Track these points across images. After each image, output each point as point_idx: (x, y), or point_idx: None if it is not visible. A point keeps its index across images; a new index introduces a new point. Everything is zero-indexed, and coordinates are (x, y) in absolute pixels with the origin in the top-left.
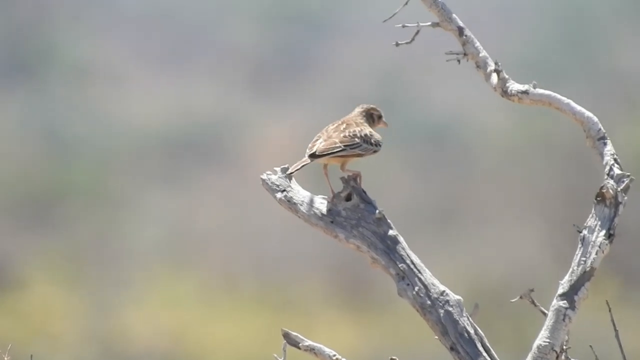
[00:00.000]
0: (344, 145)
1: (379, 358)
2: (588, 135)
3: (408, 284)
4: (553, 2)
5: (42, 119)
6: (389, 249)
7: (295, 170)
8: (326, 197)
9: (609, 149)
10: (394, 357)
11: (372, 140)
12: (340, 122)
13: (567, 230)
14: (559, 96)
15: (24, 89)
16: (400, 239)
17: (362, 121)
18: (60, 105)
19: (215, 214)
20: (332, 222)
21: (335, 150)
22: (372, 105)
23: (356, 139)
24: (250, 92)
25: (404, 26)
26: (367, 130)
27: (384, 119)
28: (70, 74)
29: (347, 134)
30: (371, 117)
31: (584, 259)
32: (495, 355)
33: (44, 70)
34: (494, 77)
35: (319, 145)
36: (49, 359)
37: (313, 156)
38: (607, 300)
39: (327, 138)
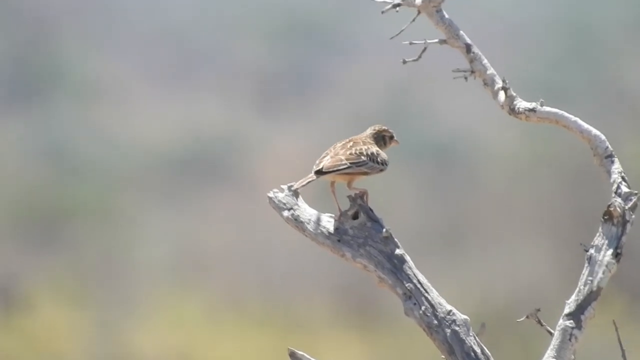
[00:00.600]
0: (350, 163)
1: None
2: (595, 153)
3: (415, 304)
4: (560, 19)
5: (48, 138)
6: (395, 268)
7: (301, 187)
8: (333, 215)
9: (617, 166)
10: None
11: (379, 159)
12: (347, 141)
13: (574, 249)
14: (566, 114)
15: (30, 108)
16: (407, 258)
17: (370, 141)
18: (67, 124)
19: (221, 233)
20: (339, 240)
21: (341, 168)
22: (383, 127)
23: (362, 157)
24: (256, 110)
25: (411, 43)
26: (374, 149)
27: (395, 138)
28: (76, 93)
29: (353, 152)
30: (382, 138)
31: (590, 278)
32: None
33: (49, 89)
34: (502, 95)
35: (325, 162)
36: None
37: (319, 173)
38: (614, 320)
39: (333, 155)
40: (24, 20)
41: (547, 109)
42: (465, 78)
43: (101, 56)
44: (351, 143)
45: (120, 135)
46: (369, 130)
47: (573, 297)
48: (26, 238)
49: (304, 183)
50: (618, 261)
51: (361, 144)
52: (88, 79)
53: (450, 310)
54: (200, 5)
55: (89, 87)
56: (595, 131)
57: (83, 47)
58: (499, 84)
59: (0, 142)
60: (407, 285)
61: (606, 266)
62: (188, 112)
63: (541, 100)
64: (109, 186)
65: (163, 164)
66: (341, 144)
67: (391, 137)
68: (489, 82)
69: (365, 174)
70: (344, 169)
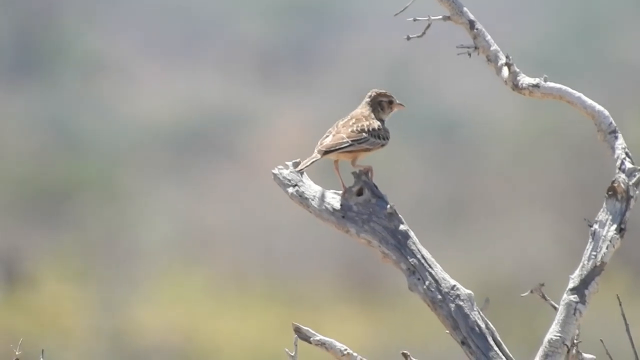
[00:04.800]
0: (352, 141)
1: (390, 352)
2: (599, 129)
3: (419, 279)
4: None
5: (52, 114)
6: (400, 244)
7: (305, 167)
8: (337, 192)
9: (620, 142)
10: (405, 352)
11: (381, 134)
12: (349, 118)
13: (577, 225)
14: (569, 90)
15: (35, 84)
16: (411, 233)
17: (369, 114)
18: (71, 100)
19: (225, 209)
20: (343, 217)
21: (343, 146)
22: (380, 91)
23: (364, 134)
24: (259, 86)
25: (415, 20)
26: (375, 124)
27: (397, 101)
28: (80, 69)
29: (354, 129)
30: (379, 104)
31: (594, 253)
32: (507, 349)
33: (54, 64)
34: (505, 71)
35: (327, 142)
36: (60, 353)
37: (321, 152)
38: (617, 295)
39: (335, 134)
40: None
41: (551, 84)
42: (469, 54)
43: (104, 32)
44: (353, 120)
45: (122, 111)
46: (366, 99)
47: (577, 271)
48: (30, 213)
49: (308, 163)
50: (622, 236)
51: (363, 120)
52: (91, 54)
53: (454, 285)
54: None
55: (92, 63)
56: (599, 107)
57: (86, 23)
58: (503, 60)
59: (3, 117)
60: (411, 260)
61: (610, 241)
62: (191, 88)
63: (545, 76)
64: (111, 162)
65: (166, 139)
66: (343, 122)
67: (390, 102)
68: (492, 58)
69: (367, 150)
70: (346, 146)
